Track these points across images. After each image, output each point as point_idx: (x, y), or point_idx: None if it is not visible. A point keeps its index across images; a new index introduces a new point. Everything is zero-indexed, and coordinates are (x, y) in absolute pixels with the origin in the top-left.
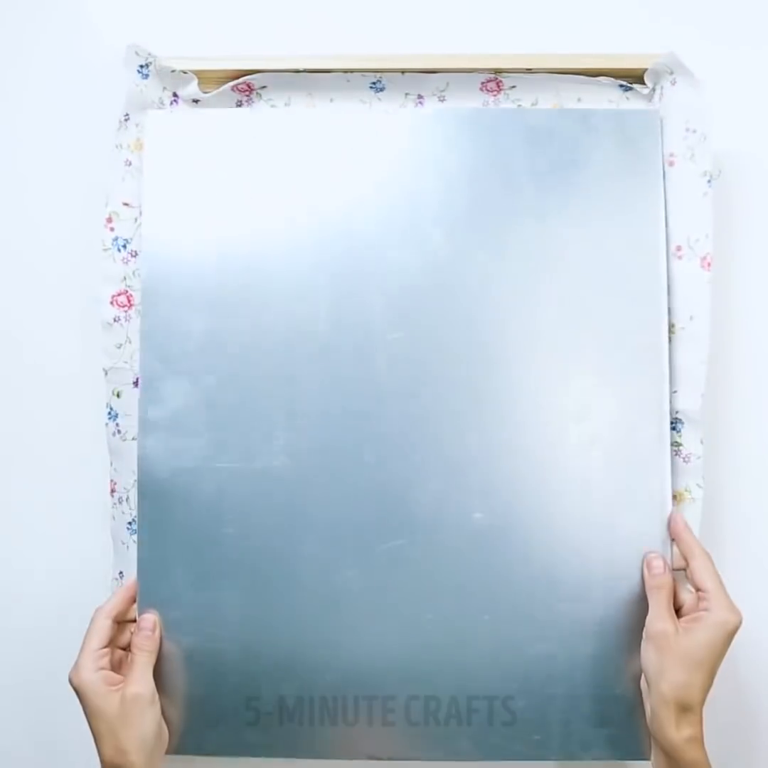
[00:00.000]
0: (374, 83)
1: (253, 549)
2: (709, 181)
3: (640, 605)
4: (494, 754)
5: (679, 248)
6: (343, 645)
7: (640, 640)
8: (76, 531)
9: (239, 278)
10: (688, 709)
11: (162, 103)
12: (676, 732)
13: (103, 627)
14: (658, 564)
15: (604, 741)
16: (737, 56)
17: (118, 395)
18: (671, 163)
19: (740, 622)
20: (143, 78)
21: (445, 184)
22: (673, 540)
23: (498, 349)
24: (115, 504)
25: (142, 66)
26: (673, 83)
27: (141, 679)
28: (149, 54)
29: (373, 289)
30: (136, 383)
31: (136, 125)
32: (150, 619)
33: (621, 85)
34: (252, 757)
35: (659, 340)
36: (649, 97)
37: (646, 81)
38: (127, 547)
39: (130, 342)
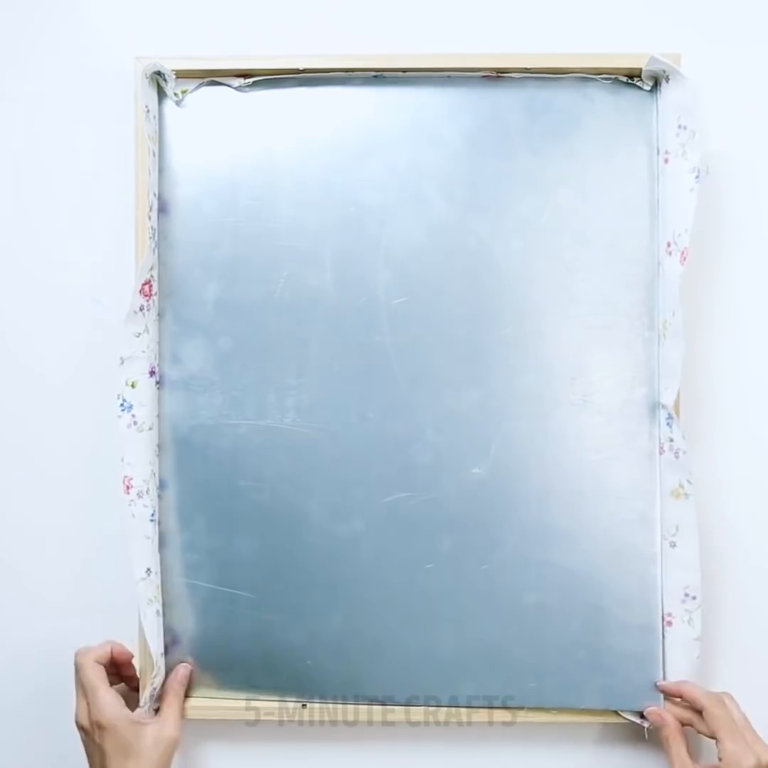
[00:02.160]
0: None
1: (266, 500)
2: (696, 177)
3: (631, 557)
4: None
5: (669, 244)
6: (347, 591)
7: (633, 592)
8: (82, 534)
9: (250, 247)
10: None
11: (176, 95)
12: None
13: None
14: (656, 718)
15: (598, 690)
16: (733, 56)
17: (133, 386)
18: (666, 160)
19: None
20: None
21: (447, 154)
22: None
23: (496, 312)
24: (132, 501)
25: (154, 73)
26: (667, 81)
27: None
28: (156, 64)
29: (378, 256)
30: (151, 373)
31: (154, 117)
32: (187, 668)
33: (622, 82)
34: (262, 696)
35: (649, 299)
36: (651, 93)
37: (644, 79)
38: (152, 541)
39: (147, 331)
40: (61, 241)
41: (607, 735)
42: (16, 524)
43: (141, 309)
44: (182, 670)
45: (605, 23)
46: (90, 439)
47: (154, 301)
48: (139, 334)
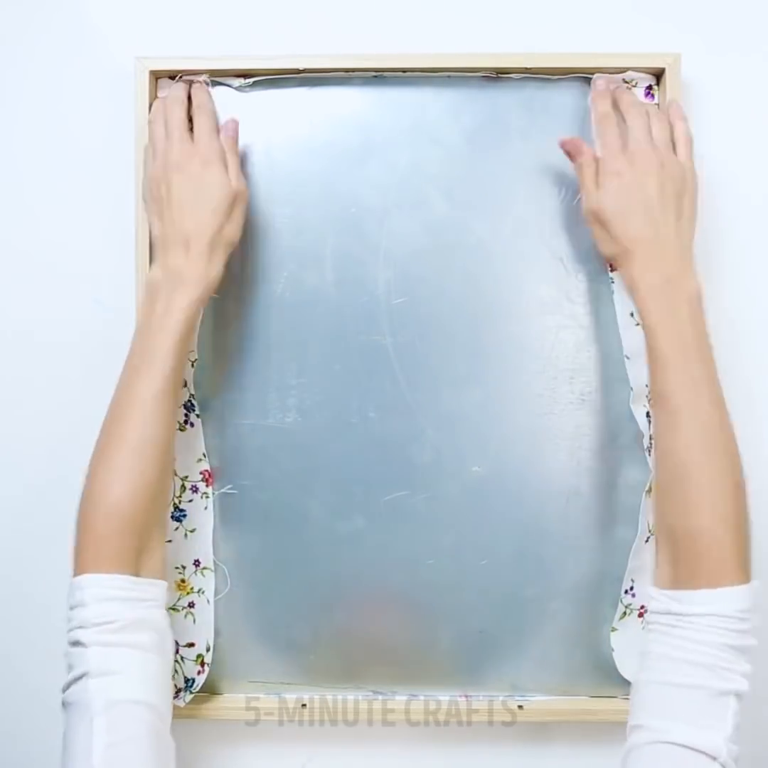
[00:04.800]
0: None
1: (267, 499)
2: None
3: (626, 552)
4: (488, 687)
5: None
6: (351, 587)
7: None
8: None
9: (249, 247)
10: None
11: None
12: None
13: None
14: (572, 149)
15: (590, 677)
16: (731, 57)
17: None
18: None
19: None
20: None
21: (447, 154)
22: None
23: (495, 312)
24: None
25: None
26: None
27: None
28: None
29: (378, 256)
30: None
31: None
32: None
33: (623, 82)
34: (263, 692)
35: None
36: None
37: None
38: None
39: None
40: (61, 242)
41: (607, 734)
42: (15, 524)
43: None
44: (231, 124)
45: (605, 23)
46: (90, 438)
47: None
48: None
